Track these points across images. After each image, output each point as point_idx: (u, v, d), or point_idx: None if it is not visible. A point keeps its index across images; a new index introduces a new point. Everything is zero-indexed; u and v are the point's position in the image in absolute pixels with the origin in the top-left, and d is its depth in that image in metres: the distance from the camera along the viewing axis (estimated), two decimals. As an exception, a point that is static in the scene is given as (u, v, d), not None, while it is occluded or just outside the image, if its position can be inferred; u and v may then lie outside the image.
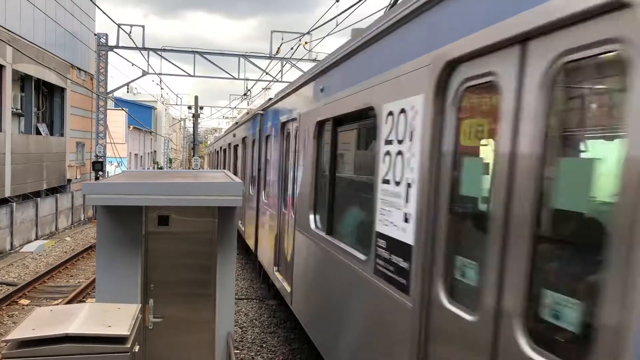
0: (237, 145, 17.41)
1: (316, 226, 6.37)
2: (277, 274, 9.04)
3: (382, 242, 4.09)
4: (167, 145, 76.13)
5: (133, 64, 31.83)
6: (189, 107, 46.53)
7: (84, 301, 12.06)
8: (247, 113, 16.93)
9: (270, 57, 28.64)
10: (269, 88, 35.39)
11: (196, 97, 40.91)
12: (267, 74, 29.74)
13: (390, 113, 4.00)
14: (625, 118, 1.98)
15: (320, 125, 6.28)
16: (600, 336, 1.97)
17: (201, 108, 44.78)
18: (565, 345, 2.28)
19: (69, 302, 11.51)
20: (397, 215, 3.82)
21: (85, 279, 14.39)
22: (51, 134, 25.37)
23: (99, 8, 19.14)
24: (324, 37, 22.22)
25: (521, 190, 2.52)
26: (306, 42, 24.97)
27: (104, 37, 29.44)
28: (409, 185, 3.64)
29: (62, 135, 26.19)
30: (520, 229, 2.49)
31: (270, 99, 11.45)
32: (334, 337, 5.47)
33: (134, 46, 28.04)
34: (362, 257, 4.58)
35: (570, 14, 2.19)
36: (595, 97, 2.45)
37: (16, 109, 21.58)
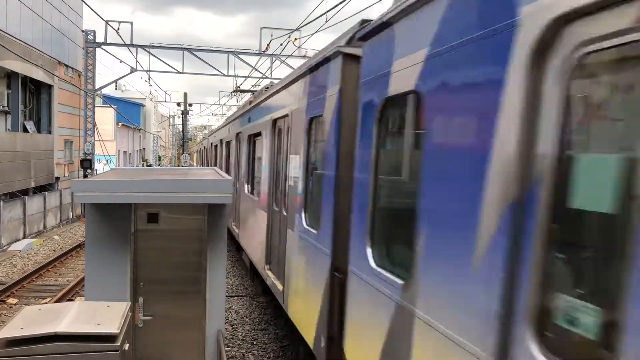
0: (216, 145, 22.85)
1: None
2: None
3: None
4: (156, 142, 75.69)
5: (121, 61, 31.47)
6: (178, 104, 46.39)
7: (73, 300, 12.00)
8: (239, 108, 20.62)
9: (259, 54, 28.52)
10: (258, 85, 35.30)
11: (185, 94, 40.68)
12: (256, 70, 29.66)
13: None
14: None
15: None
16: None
17: (190, 105, 44.62)
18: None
19: (58, 300, 11.43)
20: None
21: (74, 277, 14.31)
22: (39, 131, 25.14)
23: (87, 4, 18.95)
24: (314, 34, 22.24)
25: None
26: (295, 39, 24.94)
27: (92, 34, 29.16)
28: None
29: (49, 132, 25.96)
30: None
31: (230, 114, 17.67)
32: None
33: (122, 43, 27.80)
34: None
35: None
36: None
37: (2, 107, 21.37)
